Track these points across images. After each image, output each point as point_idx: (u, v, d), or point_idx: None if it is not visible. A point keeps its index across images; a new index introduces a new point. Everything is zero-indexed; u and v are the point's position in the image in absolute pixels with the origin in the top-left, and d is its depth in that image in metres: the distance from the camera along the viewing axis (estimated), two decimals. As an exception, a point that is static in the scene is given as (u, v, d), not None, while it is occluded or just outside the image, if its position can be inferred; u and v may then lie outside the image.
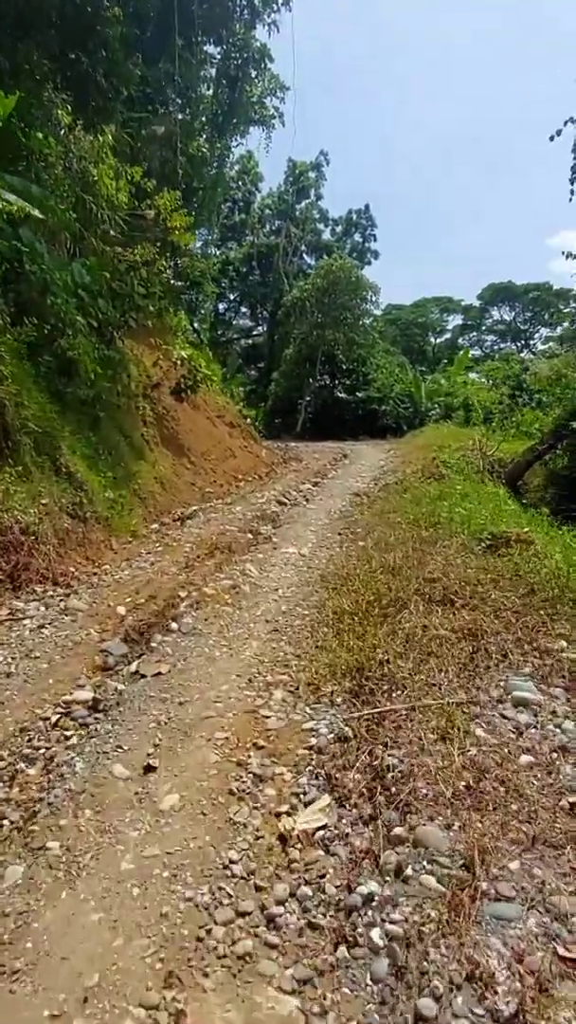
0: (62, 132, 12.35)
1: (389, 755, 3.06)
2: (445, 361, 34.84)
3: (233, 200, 43.06)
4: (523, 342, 40.92)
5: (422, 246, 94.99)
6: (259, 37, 24.53)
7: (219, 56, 25.19)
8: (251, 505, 11.77)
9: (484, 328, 43.52)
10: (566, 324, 37.23)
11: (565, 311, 39.46)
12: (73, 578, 6.80)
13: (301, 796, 2.97)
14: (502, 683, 3.80)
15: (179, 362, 15.44)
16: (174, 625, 5.17)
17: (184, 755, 3.35)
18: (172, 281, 28.48)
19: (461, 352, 31.81)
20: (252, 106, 26.99)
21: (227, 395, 24.39)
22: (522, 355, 29.27)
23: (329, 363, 31.83)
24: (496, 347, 41.58)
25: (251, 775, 3.16)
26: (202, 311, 28.08)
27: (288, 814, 2.84)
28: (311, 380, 31.65)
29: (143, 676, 4.28)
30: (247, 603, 5.92)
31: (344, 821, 2.74)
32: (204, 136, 25.95)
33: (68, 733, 3.66)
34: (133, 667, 4.47)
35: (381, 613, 4.89)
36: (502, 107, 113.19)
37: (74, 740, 3.57)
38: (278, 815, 2.85)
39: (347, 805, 2.83)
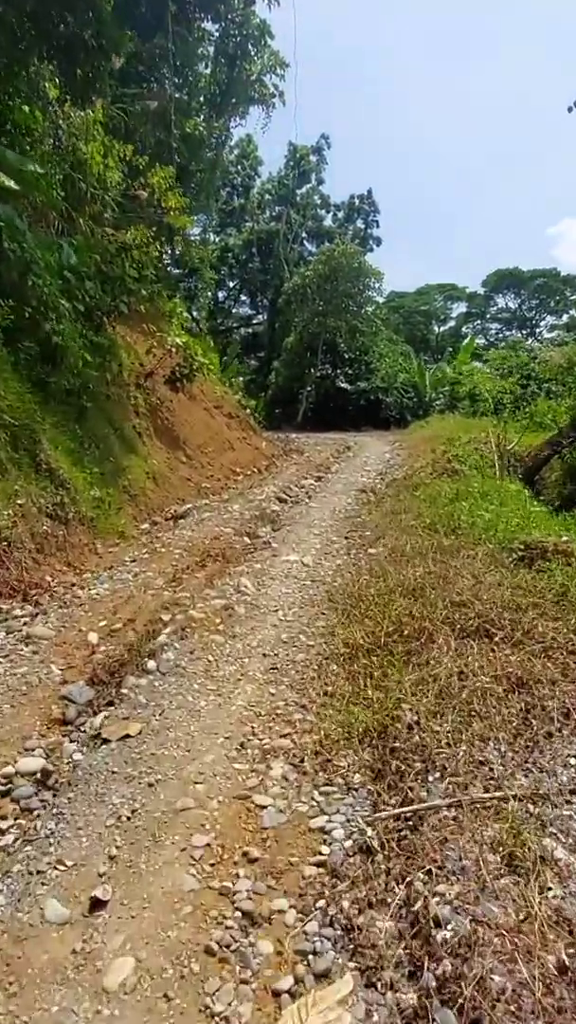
0: (50, 108, 11.36)
1: (435, 895, 2.11)
2: (450, 350, 33.80)
3: (232, 185, 41.77)
4: (528, 330, 39.77)
5: (424, 235, 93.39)
6: (259, 12, 23.24)
7: (217, 33, 24.03)
8: (249, 502, 10.83)
9: (488, 316, 42.30)
10: (573, 312, 36.29)
11: (572, 298, 38.37)
12: (47, 591, 5.88)
13: (309, 960, 2.03)
14: (573, 760, 2.87)
15: (174, 350, 14.44)
16: (152, 664, 4.22)
17: (148, 876, 2.41)
18: (167, 265, 27.48)
19: (467, 340, 30.72)
20: (251, 85, 25.78)
21: (226, 385, 23.42)
22: (528, 343, 28.14)
23: (331, 352, 30.76)
24: (501, 335, 40.43)
25: (239, 914, 2.23)
26: (201, 299, 27.01)
27: (291, 995, 1.92)
28: (312, 369, 30.59)
29: (107, 741, 3.34)
30: (241, 629, 4.97)
31: (376, 1021, 1.81)
32: (202, 116, 24.74)
33: (2, 825, 2.75)
34: (97, 722, 3.54)
35: (404, 650, 3.96)
36: (506, 95, 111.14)
37: (8, 839, 2.65)
38: (276, 995, 1.93)
39: (378, 986, 1.90)
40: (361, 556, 6.72)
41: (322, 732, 3.31)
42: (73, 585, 6.13)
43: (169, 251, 17.39)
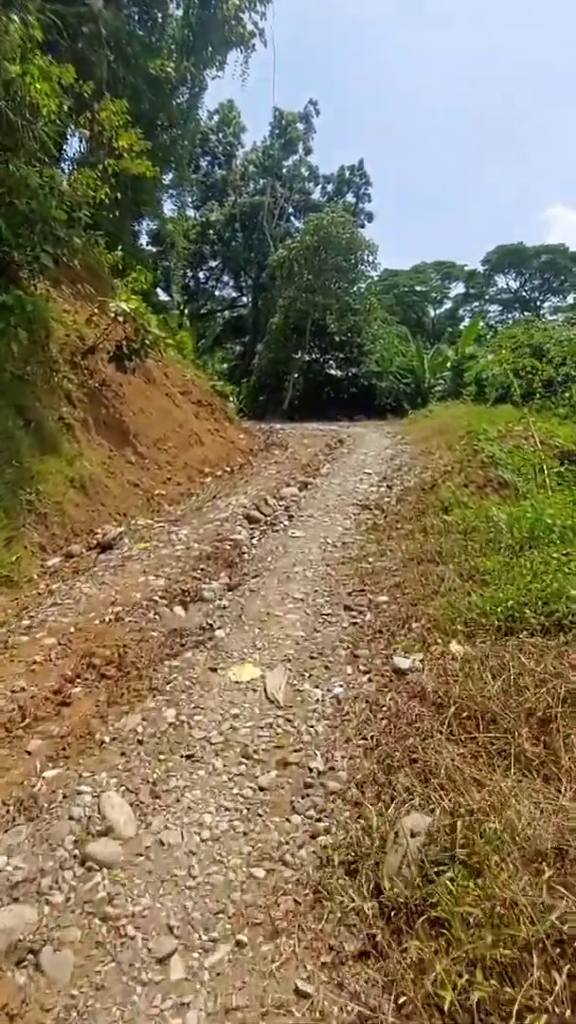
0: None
1: None
2: (450, 330, 30.38)
3: (213, 154, 37.89)
4: (531, 312, 36.24)
5: (416, 218, 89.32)
6: None
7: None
8: (205, 524, 7.48)
9: (487, 298, 38.63)
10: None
11: (581, 275, 34.92)
12: None
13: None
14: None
15: (120, 318, 10.88)
16: None
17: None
18: (136, 234, 23.71)
19: (471, 320, 27.28)
20: (228, 23, 22.01)
21: (199, 368, 19.91)
22: (543, 320, 24.73)
23: (320, 334, 27.23)
24: (502, 318, 36.90)
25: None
26: (175, 273, 23.33)
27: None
28: (300, 352, 27.06)
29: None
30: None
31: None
32: (173, 60, 20.85)
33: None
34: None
35: None
36: (498, 80, 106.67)
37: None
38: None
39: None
40: (384, 676, 3.39)
41: None
42: None
43: (117, 196, 13.86)
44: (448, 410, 17.62)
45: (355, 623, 4.25)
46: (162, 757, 2.82)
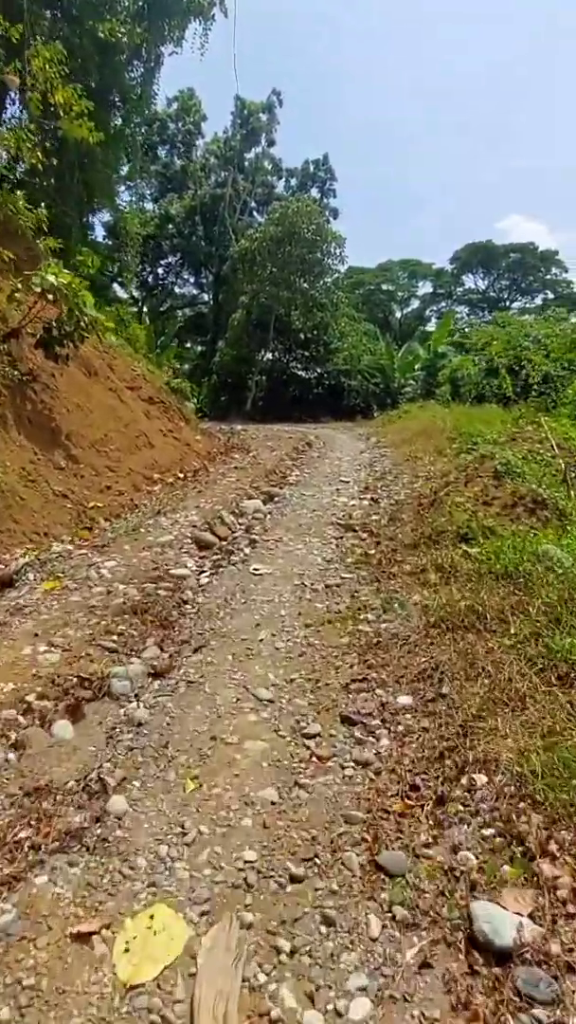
0: None
1: None
2: (421, 329, 28.87)
3: (172, 143, 35.71)
4: (499, 313, 35.03)
5: (379, 220, 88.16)
6: None
7: None
8: (141, 552, 5.54)
9: (455, 298, 37.27)
10: (549, 293, 31.67)
11: (547, 277, 33.64)
12: None
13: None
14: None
15: (49, 295, 8.81)
16: None
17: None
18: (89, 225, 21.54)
19: (442, 318, 25.79)
20: (184, -12, 19.92)
21: (153, 363, 17.80)
22: (522, 318, 23.35)
23: (284, 331, 25.38)
24: (468, 318, 35.56)
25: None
26: (128, 261, 21.09)
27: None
28: (263, 350, 25.17)
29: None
30: None
31: None
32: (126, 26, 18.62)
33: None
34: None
35: None
36: (458, 85, 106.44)
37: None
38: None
39: None
40: (453, 954, 1.54)
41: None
42: None
43: (54, 162, 11.78)
44: (425, 411, 15.95)
45: (363, 764, 2.37)
46: None
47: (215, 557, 5.50)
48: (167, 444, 12.11)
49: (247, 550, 5.58)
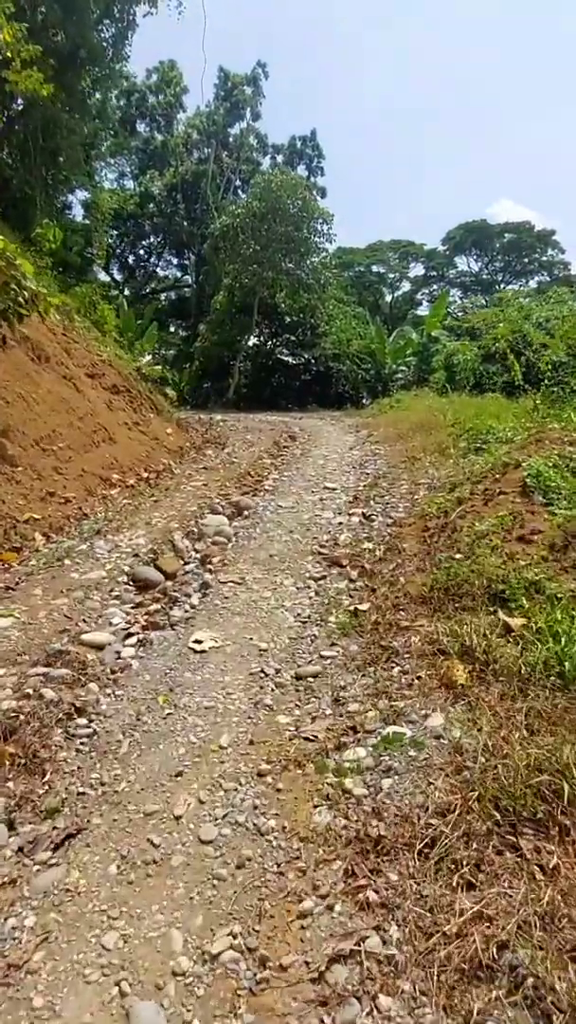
0: None
1: None
2: (412, 314, 27.22)
3: (152, 117, 33.58)
4: (492, 296, 33.37)
5: (366, 204, 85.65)
6: None
7: None
8: (56, 599, 4.02)
9: (447, 280, 35.50)
10: (545, 274, 30.09)
11: (543, 259, 31.99)
12: None
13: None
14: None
15: (-21, 266, 7.24)
16: None
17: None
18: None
19: (437, 297, 24.12)
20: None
21: (122, 347, 16.08)
22: (523, 299, 21.70)
23: (269, 315, 23.66)
24: (461, 301, 33.79)
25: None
26: (95, 234, 19.28)
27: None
28: (246, 335, 23.45)
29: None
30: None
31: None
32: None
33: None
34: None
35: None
36: (449, 76, 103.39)
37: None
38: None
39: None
40: None
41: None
42: None
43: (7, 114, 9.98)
44: (420, 400, 14.42)
45: None
46: None
47: (153, 607, 4.01)
48: (132, 439, 10.56)
49: (196, 598, 4.09)
